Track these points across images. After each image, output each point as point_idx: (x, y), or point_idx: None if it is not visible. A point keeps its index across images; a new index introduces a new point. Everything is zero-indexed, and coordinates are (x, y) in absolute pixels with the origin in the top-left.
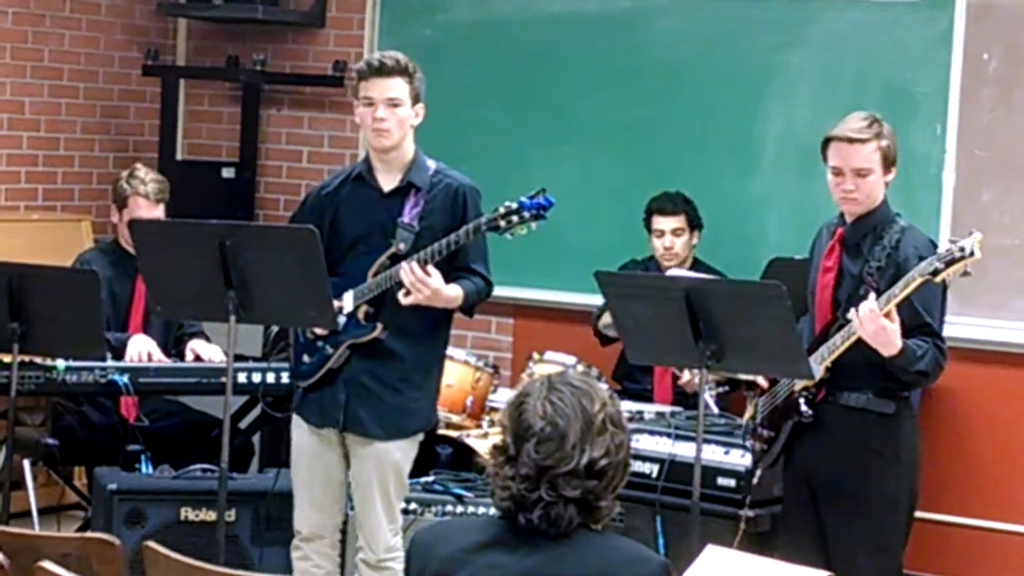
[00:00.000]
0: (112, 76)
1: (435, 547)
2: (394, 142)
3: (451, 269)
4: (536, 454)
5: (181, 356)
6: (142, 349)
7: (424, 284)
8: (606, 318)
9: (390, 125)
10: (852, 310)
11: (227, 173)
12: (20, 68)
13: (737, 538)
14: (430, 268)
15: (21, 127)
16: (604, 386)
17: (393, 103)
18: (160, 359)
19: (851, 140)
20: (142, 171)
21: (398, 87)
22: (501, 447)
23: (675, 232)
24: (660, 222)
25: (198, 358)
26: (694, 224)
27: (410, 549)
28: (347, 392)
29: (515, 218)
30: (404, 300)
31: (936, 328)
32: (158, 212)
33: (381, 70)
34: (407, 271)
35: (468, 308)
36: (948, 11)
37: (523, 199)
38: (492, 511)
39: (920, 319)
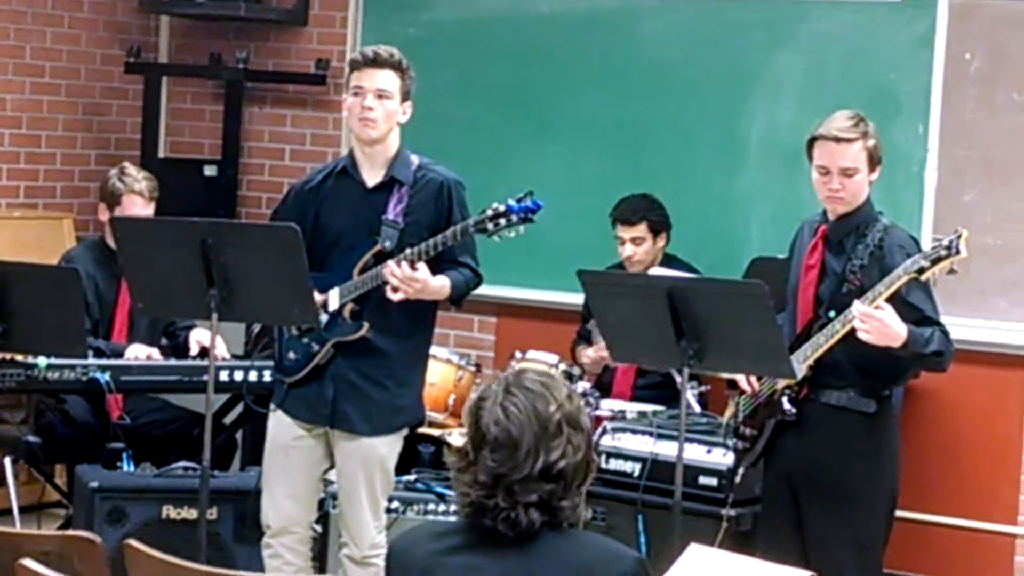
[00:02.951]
0: (94, 73)
1: (411, 552)
2: (379, 134)
3: (440, 262)
4: (492, 463)
5: (181, 349)
6: (140, 354)
7: (412, 281)
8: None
9: (377, 116)
10: (827, 318)
11: (209, 171)
12: (2, 65)
13: (719, 537)
14: (419, 264)
15: (2, 124)
16: (565, 386)
17: (382, 95)
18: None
19: (838, 139)
20: (132, 169)
21: (389, 80)
22: (462, 451)
23: (635, 241)
24: (621, 231)
25: (204, 349)
26: (658, 230)
27: (388, 558)
28: (334, 388)
29: (503, 221)
30: (394, 297)
31: (936, 319)
32: (150, 210)
33: (375, 61)
34: (390, 272)
35: (457, 299)
36: (931, 11)
37: (511, 202)
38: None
39: (919, 314)
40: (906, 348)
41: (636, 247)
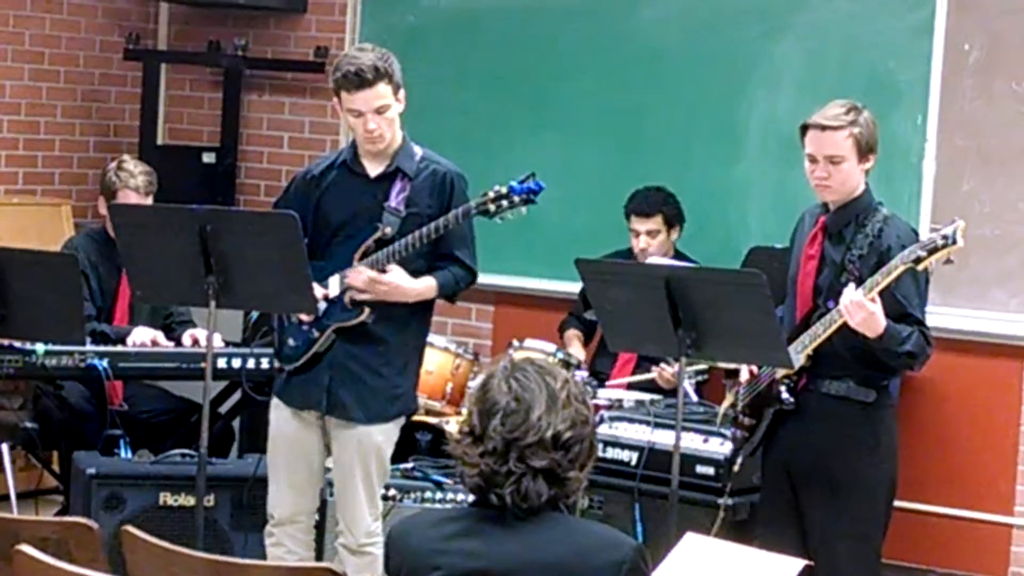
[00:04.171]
0: (93, 60)
1: (409, 539)
2: (387, 142)
3: (435, 257)
4: (503, 427)
5: (176, 345)
6: (145, 337)
7: (376, 283)
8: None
9: (383, 130)
10: (827, 309)
11: (208, 158)
12: (1, 51)
13: (715, 526)
14: (391, 265)
15: (1, 111)
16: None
17: (380, 110)
18: (164, 344)
19: (823, 127)
20: (131, 163)
21: (384, 93)
22: (467, 429)
23: (650, 233)
24: (636, 223)
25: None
26: (672, 222)
27: (387, 545)
28: (330, 375)
29: (505, 203)
30: (358, 297)
31: (919, 317)
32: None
33: (363, 82)
34: (353, 277)
35: (449, 296)
36: (930, 1)
37: (513, 184)
38: (471, 497)
39: (901, 309)
40: (880, 341)
41: (651, 239)
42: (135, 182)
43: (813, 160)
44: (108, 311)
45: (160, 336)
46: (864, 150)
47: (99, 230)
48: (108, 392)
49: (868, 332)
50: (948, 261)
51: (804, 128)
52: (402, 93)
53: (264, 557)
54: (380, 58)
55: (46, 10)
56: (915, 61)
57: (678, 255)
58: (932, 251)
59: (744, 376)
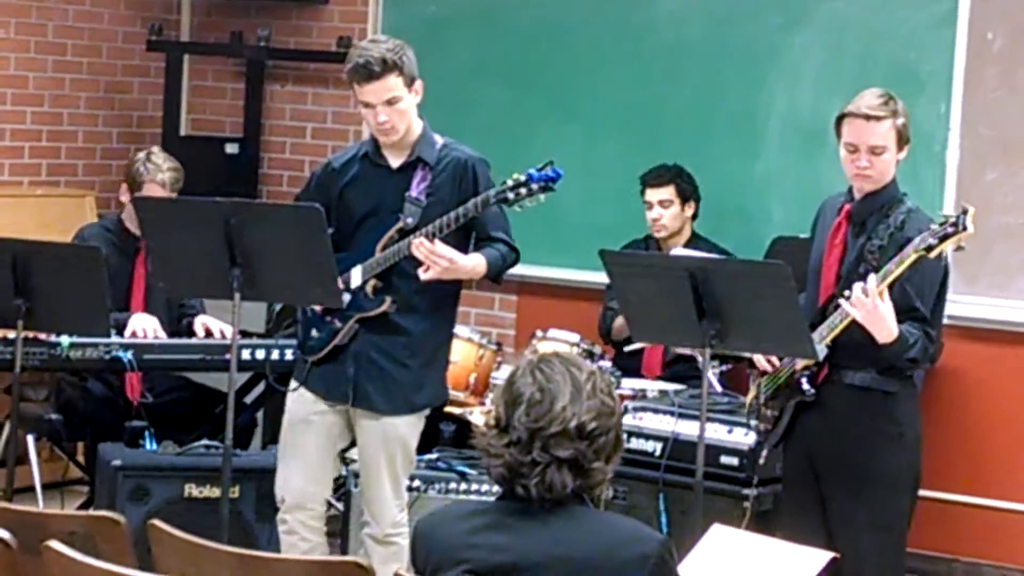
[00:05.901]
0: (116, 51)
1: (436, 533)
2: (400, 134)
3: (476, 241)
4: (527, 417)
5: (188, 334)
6: (146, 326)
7: (438, 256)
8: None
9: (394, 123)
10: (842, 297)
11: (231, 149)
12: (24, 43)
13: (745, 518)
14: (437, 241)
15: (25, 102)
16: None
17: (391, 102)
18: (161, 336)
19: (868, 117)
20: (159, 157)
21: (393, 85)
22: (494, 419)
23: (663, 203)
24: (649, 194)
25: (208, 333)
26: (686, 195)
27: (413, 538)
28: (356, 366)
29: (523, 190)
30: (424, 276)
31: (925, 314)
32: None
33: (371, 74)
34: (417, 246)
35: (496, 276)
36: None
37: (531, 171)
38: (495, 488)
39: (909, 303)
40: (891, 346)
41: (664, 210)
42: (163, 177)
43: (853, 150)
44: (123, 301)
45: (157, 325)
46: (903, 141)
47: (113, 219)
48: (127, 386)
49: (876, 333)
50: (959, 248)
51: (841, 117)
52: (418, 84)
53: None
54: (391, 50)
55: (69, 2)
56: (938, 50)
57: (696, 237)
58: (943, 238)
59: (763, 366)
